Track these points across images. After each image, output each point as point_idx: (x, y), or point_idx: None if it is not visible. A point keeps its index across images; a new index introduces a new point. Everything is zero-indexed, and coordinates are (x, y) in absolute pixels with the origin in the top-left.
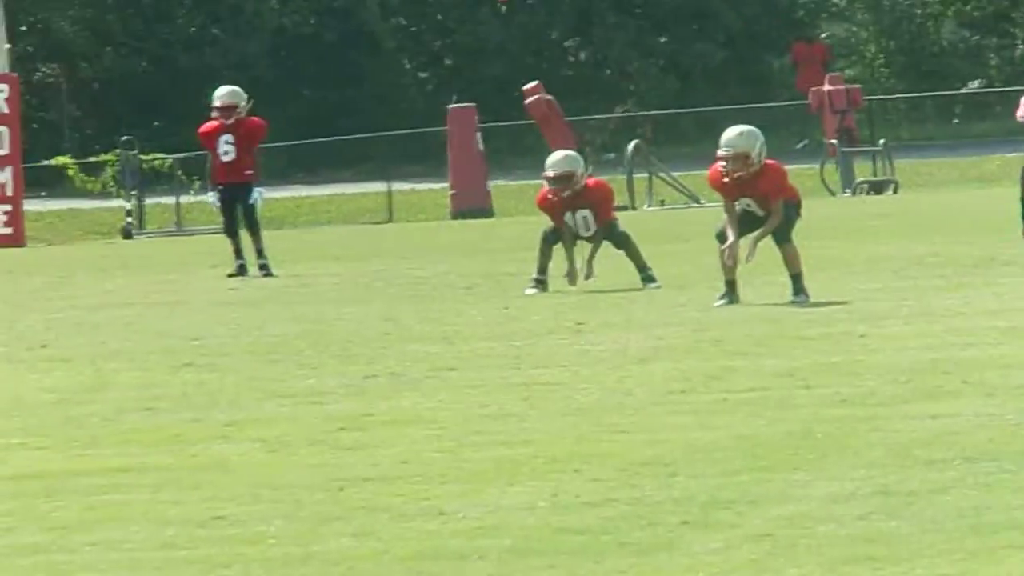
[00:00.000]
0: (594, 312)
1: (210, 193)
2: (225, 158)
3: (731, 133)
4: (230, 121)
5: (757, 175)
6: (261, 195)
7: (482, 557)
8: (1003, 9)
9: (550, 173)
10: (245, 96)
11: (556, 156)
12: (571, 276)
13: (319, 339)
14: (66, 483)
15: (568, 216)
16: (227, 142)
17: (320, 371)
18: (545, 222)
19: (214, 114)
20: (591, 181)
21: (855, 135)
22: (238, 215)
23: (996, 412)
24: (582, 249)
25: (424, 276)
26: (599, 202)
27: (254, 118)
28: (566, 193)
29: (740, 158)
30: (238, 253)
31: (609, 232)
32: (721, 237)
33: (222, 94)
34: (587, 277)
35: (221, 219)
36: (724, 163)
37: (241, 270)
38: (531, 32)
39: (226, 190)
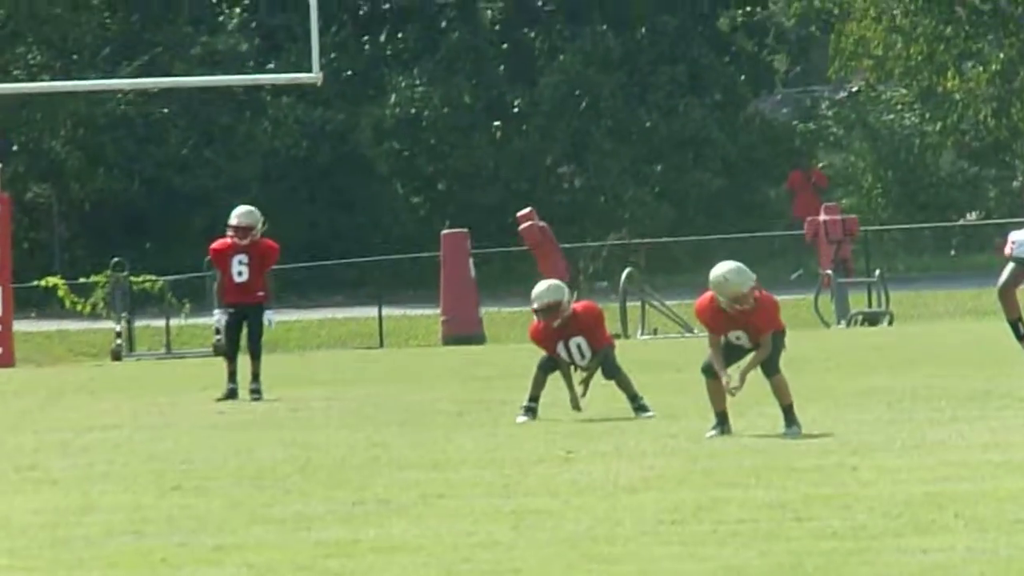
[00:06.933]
0: (585, 441)
1: (217, 311)
2: (238, 279)
3: (724, 273)
4: (245, 242)
5: (752, 309)
6: (272, 319)
7: None
8: (1003, 140)
9: (536, 305)
10: (261, 218)
11: (540, 287)
12: (574, 402)
13: (307, 464)
14: None
15: (561, 347)
16: (241, 262)
17: (308, 497)
18: (541, 351)
19: (229, 232)
20: (579, 306)
21: (850, 266)
22: (242, 337)
23: (989, 547)
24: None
25: (414, 402)
26: (591, 327)
27: (268, 240)
28: (556, 323)
29: (747, 297)
30: (232, 376)
31: (604, 359)
32: (708, 371)
33: (240, 213)
34: (582, 395)
35: (215, 339)
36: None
37: (232, 394)
38: (525, 158)
39: (237, 311)
